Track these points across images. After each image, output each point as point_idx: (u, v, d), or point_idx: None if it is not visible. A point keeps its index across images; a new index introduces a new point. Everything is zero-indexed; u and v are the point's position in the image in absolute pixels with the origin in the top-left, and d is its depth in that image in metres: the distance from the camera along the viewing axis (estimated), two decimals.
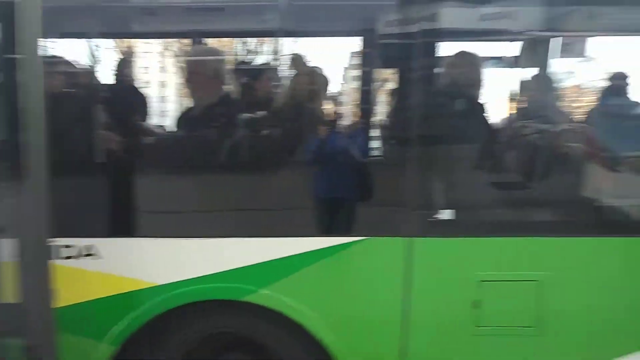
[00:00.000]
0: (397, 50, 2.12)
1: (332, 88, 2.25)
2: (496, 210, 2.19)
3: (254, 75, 2.40)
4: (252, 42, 2.48)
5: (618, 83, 2.49)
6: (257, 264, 2.06)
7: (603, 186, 2.31)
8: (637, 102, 2.47)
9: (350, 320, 2.13)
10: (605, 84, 2.47)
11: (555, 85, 2.52)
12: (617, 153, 2.38)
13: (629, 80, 2.47)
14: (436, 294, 2.11)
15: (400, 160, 2.11)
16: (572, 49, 2.61)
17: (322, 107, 2.28)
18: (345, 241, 2.07)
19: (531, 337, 2.13)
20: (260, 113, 2.24)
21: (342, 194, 2.18)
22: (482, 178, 2.18)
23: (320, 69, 2.22)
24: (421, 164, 2.08)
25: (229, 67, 2.38)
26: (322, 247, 2.06)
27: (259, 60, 2.50)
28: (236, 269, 2.07)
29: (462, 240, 2.07)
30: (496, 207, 2.20)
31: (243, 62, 2.47)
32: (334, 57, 2.28)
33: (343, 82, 2.37)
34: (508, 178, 2.23)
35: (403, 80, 2.19)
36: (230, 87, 2.38)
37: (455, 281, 2.10)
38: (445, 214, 2.08)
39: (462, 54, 2.24)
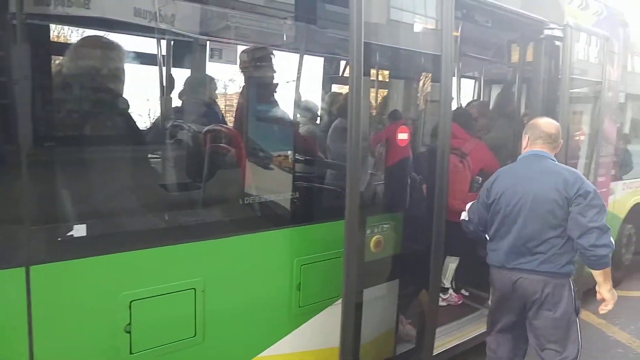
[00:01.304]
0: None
1: None
2: (140, 219, 1.96)
3: None
4: None
5: (267, 90, 2.69)
6: None
7: (255, 184, 2.43)
8: (281, 108, 2.72)
9: None
10: (255, 90, 2.63)
11: (209, 87, 2.53)
12: (267, 153, 2.57)
13: (276, 88, 2.71)
14: (72, 330, 1.73)
15: (14, 168, 1.61)
16: (223, 55, 2.69)
17: None
18: None
19: (193, 347, 2.04)
20: None
21: None
22: (120, 186, 1.91)
23: None
24: (44, 173, 1.66)
25: None
26: None
27: None
28: None
29: (102, 259, 1.76)
30: (139, 215, 1.97)
31: None
32: None
33: None
34: (152, 183, 2.06)
35: (20, 67, 1.68)
36: None
37: (99, 309, 1.78)
38: (78, 231, 1.72)
39: (93, 44, 1.91)
